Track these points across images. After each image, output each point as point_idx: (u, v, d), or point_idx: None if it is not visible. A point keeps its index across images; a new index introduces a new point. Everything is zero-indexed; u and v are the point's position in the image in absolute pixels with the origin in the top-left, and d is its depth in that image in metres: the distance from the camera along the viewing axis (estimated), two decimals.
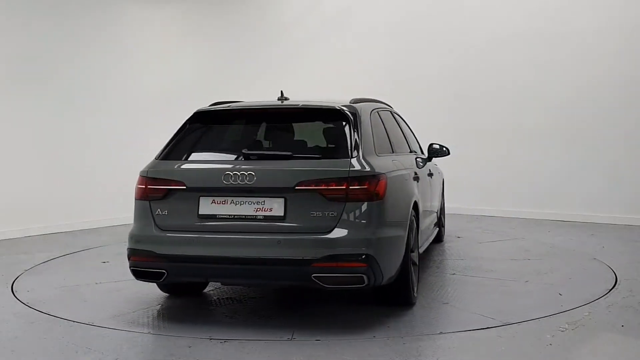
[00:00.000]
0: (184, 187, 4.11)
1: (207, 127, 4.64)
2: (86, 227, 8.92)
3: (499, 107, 9.57)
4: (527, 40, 9.17)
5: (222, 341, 3.94)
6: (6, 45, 8.36)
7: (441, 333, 4.03)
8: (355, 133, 4.23)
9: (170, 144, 4.46)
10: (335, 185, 3.93)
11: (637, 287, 5.05)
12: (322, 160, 4.18)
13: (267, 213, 3.98)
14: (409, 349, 3.74)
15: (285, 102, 4.75)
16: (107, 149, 9.34)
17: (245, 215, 4.01)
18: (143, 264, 4.18)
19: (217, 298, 5.00)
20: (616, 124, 8.52)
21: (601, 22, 8.58)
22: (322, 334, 4.03)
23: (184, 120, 4.63)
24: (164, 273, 4.09)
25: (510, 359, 3.58)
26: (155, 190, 4.16)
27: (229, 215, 4.04)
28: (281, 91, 4.95)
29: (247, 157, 4.25)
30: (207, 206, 4.06)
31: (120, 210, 9.40)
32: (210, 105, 4.89)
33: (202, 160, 4.42)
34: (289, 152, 4.26)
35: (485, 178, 9.65)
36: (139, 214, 4.28)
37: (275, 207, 3.97)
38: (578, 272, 5.64)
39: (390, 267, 4.13)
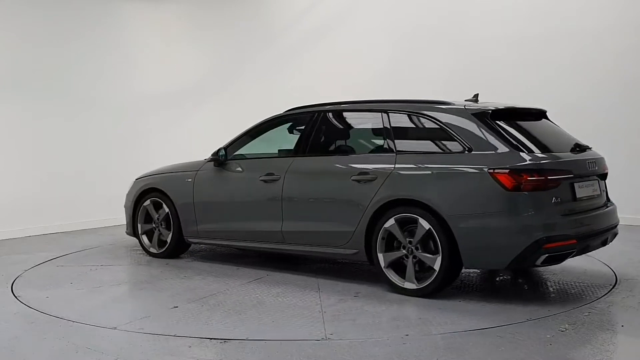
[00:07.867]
0: (572, 176, 4.84)
1: (507, 122, 5.09)
2: (86, 227, 8.93)
3: None
4: (530, 40, 9.15)
5: (222, 341, 3.94)
6: (5, 46, 8.37)
7: (441, 333, 4.04)
8: None
9: (506, 139, 4.83)
10: (605, 169, 5.36)
11: (637, 287, 5.06)
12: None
13: (597, 193, 5.15)
14: (409, 349, 3.74)
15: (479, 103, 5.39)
16: (108, 149, 9.35)
17: (592, 196, 5.07)
18: (562, 248, 4.62)
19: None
20: (616, 124, 8.51)
21: (603, 22, 8.58)
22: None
23: (480, 115, 4.94)
24: (574, 251, 4.71)
25: (510, 359, 3.58)
26: (555, 180, 4.70)
27: (588, 196, 5.01)
28: (476, 94, 5.57)
29: (573, 149, 5.12)
30: (578, 190, 4.89)
31: (119, 210, 9.43)
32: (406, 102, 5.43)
33: (565, 151, 5.07)
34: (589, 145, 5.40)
35: None
36: (538, 205, 4.62)
37: (597, 188, 5.17)
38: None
39: None
